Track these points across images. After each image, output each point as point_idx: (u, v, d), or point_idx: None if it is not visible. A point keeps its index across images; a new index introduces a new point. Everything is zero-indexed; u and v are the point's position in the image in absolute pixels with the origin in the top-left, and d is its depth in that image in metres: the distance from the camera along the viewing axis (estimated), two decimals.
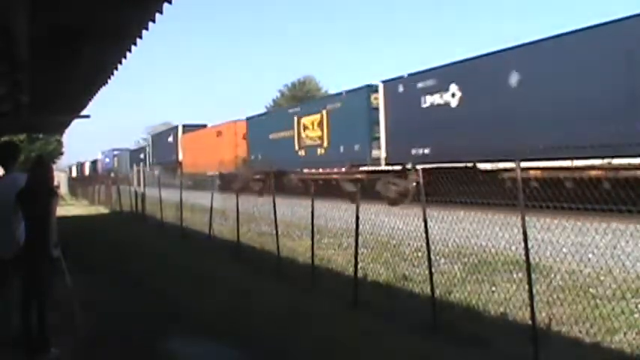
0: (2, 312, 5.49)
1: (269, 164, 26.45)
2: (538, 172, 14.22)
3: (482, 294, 6.43)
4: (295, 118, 27.07)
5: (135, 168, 28.21)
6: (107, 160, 70.41)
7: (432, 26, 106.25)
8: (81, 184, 48.79)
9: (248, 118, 33.48)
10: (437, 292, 6.13)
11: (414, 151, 18.81)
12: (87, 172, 76.43)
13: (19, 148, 6.43)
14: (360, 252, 7.40)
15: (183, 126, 46.15)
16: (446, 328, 5.67)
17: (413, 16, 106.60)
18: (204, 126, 43.97)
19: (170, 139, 47.93)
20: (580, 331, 5.44)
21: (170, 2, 6.33)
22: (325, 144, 24.70)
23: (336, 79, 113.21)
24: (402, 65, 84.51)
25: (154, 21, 7.03)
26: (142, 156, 56.79)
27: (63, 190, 44.29)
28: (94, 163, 77.71)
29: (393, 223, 7.58)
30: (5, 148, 6.49)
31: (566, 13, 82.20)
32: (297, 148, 26.92)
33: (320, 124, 25.06)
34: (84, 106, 15.92)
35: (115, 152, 69.91)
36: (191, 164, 40.54)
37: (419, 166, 15.53)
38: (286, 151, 26.90)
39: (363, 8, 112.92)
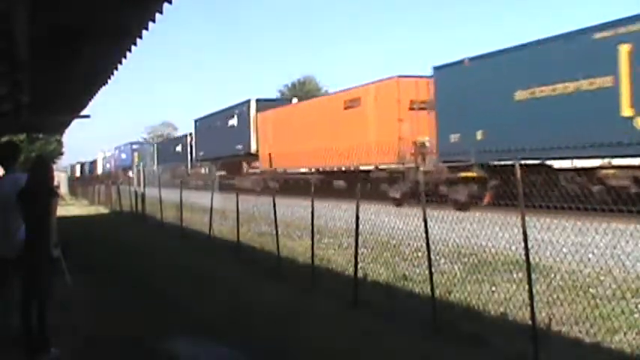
0: (2, 312, 5.49)
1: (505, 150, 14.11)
2: None
3: (482, 294, 6.43)
4: (620, 50, 12.91)
5: (135, 168, 27.00)
6: (123, 156, 60.40)
7: (431, 23, 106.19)
8: (81, 184, 48.56)
9: (437, 68, 18.47)
10: (437, 292, 6.12)
11: None
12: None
13: (19, 148, 6.43)
14: (360, 252, 7.40)
15: (258, 101, 31.67)
16: (446, 328, 5.66)
17: (411, 14, 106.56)
18: (289, 101, 32.53)
19: (232, 121, 33.54)
20: (580, 331, 5.44)
21: (170, 2, 6.35)
22: None
23: (336, 79, 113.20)
24: (403, 64, 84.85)
25: (154, 21, 7.05)
26: (178, 149, 46.15)
27: (63, 190, 44.25)
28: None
29: (393, 223, 7.58)
30: (5, 148, 6.49)
31: None
32: (628, 112, 12.84)
33: None
34: (84, 106, 15.95)
35: (135, 146, 60.23)
36: (278, 156, 26.99)
37: None
38: (583, 120, 13.17)
39: (364, 7, 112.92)
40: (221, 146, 34.38)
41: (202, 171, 39.38)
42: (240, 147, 32.15)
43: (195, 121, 42.37)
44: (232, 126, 33.50)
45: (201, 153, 39.77)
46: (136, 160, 53.90)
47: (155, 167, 45.88)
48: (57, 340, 5.35)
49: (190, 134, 43.63)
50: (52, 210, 5.27)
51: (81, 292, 7.21)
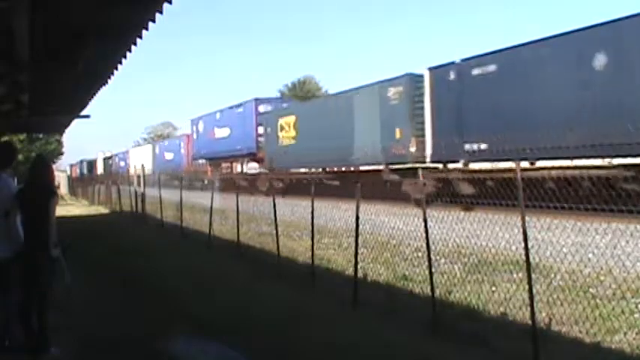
0: (2, 313, 5.49)
1: None
2: None
3: (482, 294, 6.43)
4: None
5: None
6: (222, 132, 32.09)
7: (430, 24, 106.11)
8: (81, 184, 48.18)
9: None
10: (437, 292, 6.12)
11: None
12: (112, 167, 54.56)
13: (15, 150, 6.26)
14: (360, 252, 7.39)
15: None
16: (446, 327, 5.66)
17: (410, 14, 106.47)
18: None
19: None
20: (580, 331, 5.44)
21: (170, 2, 6.34)
22: None
23: (336, 79, 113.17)
24: (401, 64, 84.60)
25: (154, 21, 7.05)
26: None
27: (63, 190, 44.15)
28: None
29: (393, 223, 7.57)
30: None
31: None
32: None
33: None
34: (84, 106, 15.94)
35: (265, 106, 29.29)
36: None
37: None
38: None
39: (363, 7, 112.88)
40: None
41: None
42: None
43: None
44: None
45: None
46: (281, 135, 26.21)
47: (412, 146, 18.07)
48: (57, 340, 5.34)
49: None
50: (51, 210, 5.27)
51: (81, 292, 7.20)
